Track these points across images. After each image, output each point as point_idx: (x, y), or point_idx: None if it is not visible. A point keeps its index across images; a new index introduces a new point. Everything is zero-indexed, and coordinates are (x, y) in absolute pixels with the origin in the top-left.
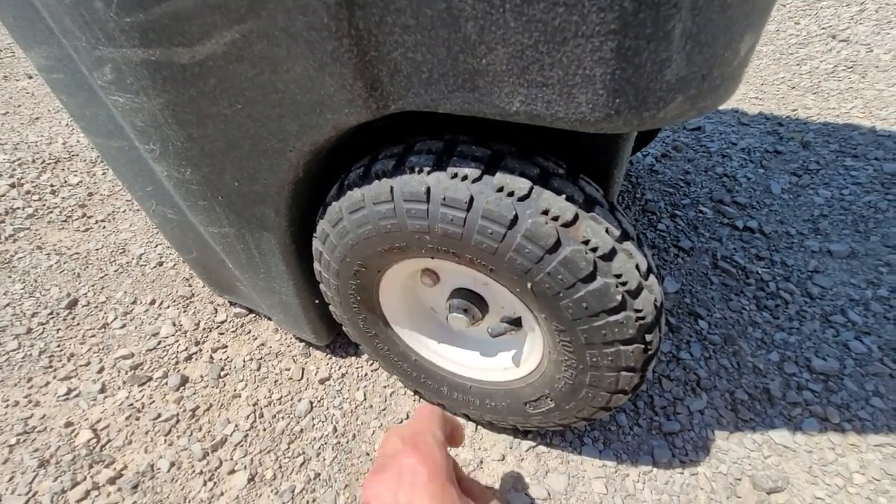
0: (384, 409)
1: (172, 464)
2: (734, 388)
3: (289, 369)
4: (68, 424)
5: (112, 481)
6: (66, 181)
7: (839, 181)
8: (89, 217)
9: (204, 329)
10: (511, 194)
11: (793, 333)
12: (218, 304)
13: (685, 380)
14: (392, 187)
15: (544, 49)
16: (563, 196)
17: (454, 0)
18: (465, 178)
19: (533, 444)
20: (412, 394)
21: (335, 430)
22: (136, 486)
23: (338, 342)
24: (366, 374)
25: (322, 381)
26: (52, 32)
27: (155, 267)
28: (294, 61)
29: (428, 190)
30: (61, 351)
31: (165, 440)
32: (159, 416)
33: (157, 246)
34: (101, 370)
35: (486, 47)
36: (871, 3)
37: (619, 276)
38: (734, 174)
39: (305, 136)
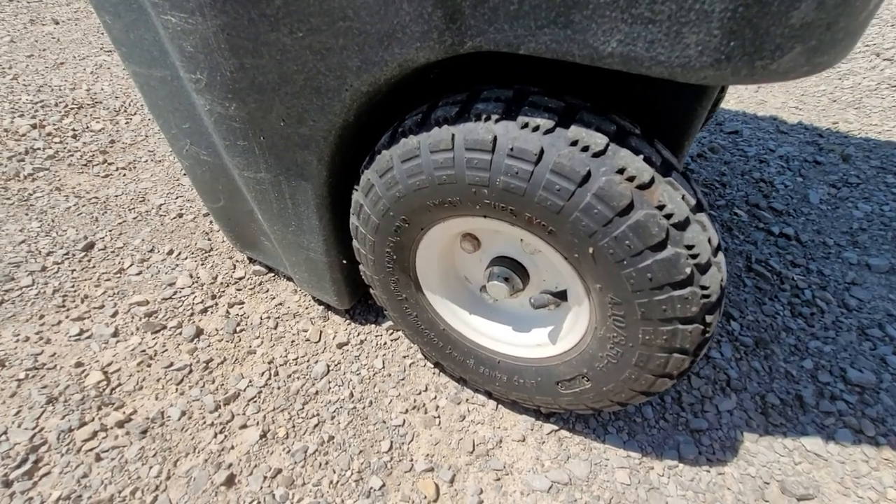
0: (402, 379)
1: (183, 413)
2: (765, 392)
3: (306, 331)
4: (78, 364)
5: (120, 424)
6: (88, 126)
7: (879, 197)
8: (110, 164)
9: (221, 283)
10: (586, 149)
11: (828, 343)
12: (237, 260)
13: (715, 379)
14: (454, 135)
15: None
16: (641, 156)
17: None
18: (536, 128)
19: (555, 427)
20: (432, 366)
21: (351, 395)
22: (144, 432)
23: (357, 309)
24: (385, 343)
25: (340, 346)
26: None
27: (175, 218)
28: None
29: (494, 139)
30: (75, 291)
31: (177, 389)
32: (172, 364)
33: (177, 198)
34: (114, 314)
35: None
36: None
37: (690, 248)
38: (771, 180)
39: (366, 74)
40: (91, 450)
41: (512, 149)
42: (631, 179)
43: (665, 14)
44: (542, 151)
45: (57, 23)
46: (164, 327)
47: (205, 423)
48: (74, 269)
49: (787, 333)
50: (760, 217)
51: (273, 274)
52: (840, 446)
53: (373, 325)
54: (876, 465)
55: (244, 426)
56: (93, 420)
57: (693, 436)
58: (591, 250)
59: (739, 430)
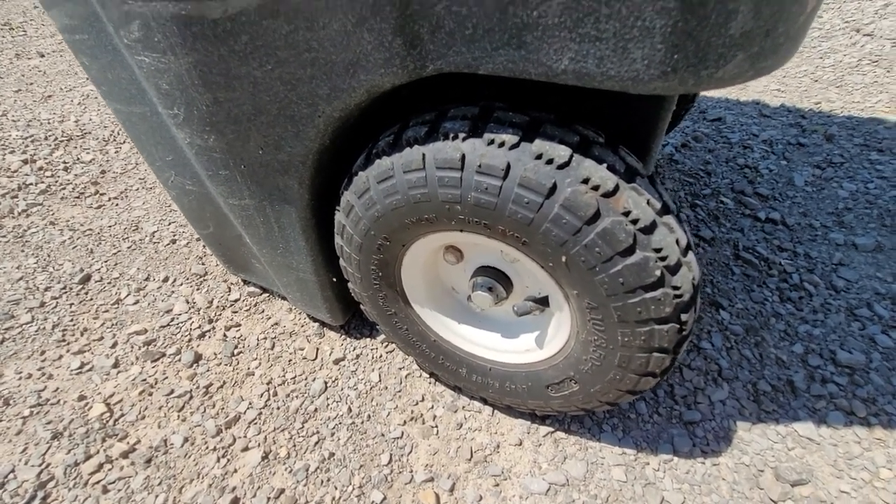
0: (399, 391)
1: (186, 439)
2: (757, 379)
3: (303, 349)
4: (81, 398)
5: (125, 455)
6: (78, 158)
7: (864, 175)
8: (102, 194)
9: (217, 307)
10: (550, 162)
11: (817, 326)
12: (231, 283)
13: (706, 370)
14: (424, 154)
15: None
16: (605, 165)
17: None
18: (502, 144)
19: (551, 429)
20: (428, 376)
21: (350, 410)
22: (149, 461)
23: (352, 323)
24: (381, 356)
25: (336, 362)
26: None
27: (168, 244)
28: (332, 15)
29: (462, 157)
30: (74, 325)
31: (179, 416)
32: (172, 391)
33: (170, 224)
34: (114, 345)
35: None
36: None
37: (658, 251)
38: (756, 165)
39: (336, 101)
40: (98, 482)
41: (480, 165)
42: (596, 188)
43: (610, 32)
44: (508, 166)
45: (42, 56)
46: (164, 355)
47: (207, 448)
48: (72, 303)
49: (776, 319)
50: (746, 203)
51: (268, 294)
52: (832, 429)
53: (368, 339)
54: (868, 445)
55: (246, 448)
56: (98, 452)
57: (687, 428)
58: (563, 259)
59: (732, 420)
